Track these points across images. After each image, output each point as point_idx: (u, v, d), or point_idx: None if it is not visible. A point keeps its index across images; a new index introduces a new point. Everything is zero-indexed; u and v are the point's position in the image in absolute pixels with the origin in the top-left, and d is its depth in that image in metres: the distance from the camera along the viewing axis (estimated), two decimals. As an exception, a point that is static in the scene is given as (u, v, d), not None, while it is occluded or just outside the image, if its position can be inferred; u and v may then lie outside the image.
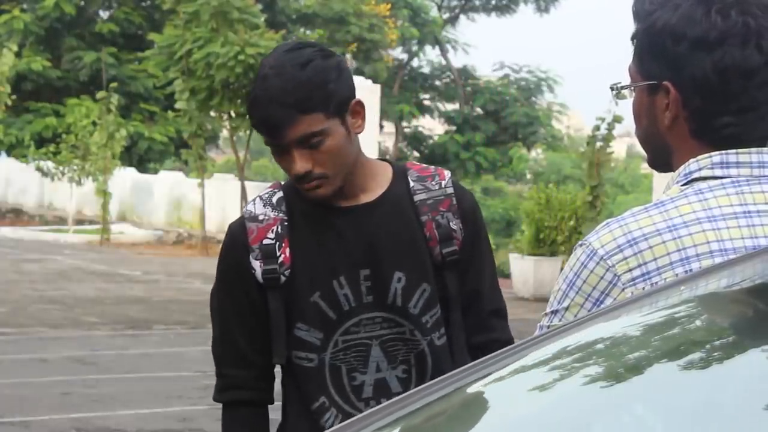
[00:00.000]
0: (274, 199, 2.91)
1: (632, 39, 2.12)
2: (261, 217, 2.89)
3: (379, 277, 2.87)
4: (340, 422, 2.83)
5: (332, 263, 2.86)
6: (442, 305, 2.93)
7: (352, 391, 2.89)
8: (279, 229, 2.87)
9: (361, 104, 2.89)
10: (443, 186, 2.93)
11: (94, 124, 24.65)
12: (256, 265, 2.87)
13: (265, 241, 2.87)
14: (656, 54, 2.07)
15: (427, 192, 2.92)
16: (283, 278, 2.87)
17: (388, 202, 2.90)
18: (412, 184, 2.92)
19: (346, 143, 2.84)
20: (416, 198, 2.91)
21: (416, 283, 2.89)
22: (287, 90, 2.79)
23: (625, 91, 2.15)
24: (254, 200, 2.95)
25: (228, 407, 3.01)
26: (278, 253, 2.87)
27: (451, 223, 2.91)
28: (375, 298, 2.87)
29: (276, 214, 2.88)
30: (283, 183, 2.97)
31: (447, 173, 2.96)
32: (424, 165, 3.01)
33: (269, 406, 3.02)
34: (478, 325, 2.98)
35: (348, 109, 2.85)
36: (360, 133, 2.89)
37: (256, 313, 2.90)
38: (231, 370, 2.99)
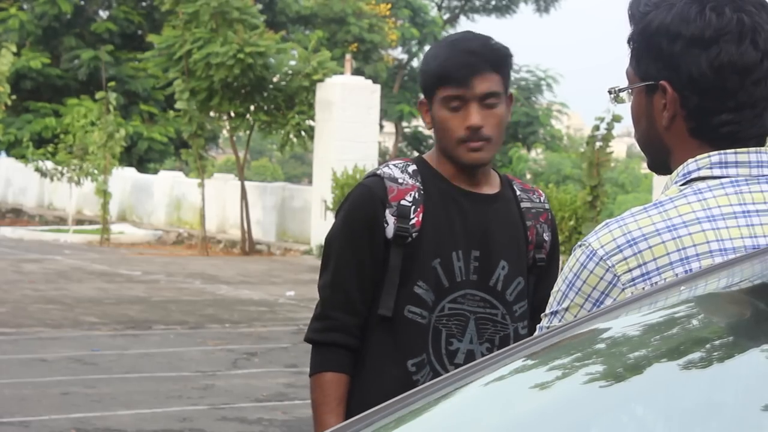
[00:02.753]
0: (410, 169, 3.19)
1: (628, 42, 2.13)
2: (400, 180, 3.16)
3: (486, 260, 3.18)
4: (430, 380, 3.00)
5: (454, 237, 3.16)
6: None
7: (447, 354, 3.14)
8: (416, 195, 3.15)
9: (512, 98, 3.23)
10: (542, 201, 3.32)
11: (92, 123, 24.62)
12: (391, 220, 3.13)
13: (403, 202, 3.14)
14: (653, 54, 2.07)
15: (530, 202, 3.29)
16: (410, 239, 3.13)
17: (504, 199, 3.25)
18: (518, 192, 3.29)
19: (507, 119, 3.19)
20: (523, 205, 3.28)
21: (515, 275, 3.21)
22: (485, 47, 3.13)
23: (624, 95, 2.15)
24: (389, 165, 3.21)
25: (324, 347, 3.18)
26: (412, 216, 3.14)
27: (544, 234, 3.29)
28: (479, 277, 3.17)
29: (413, 182, 3.17)
30: (411, 159, 3.24)
31: (542, 191, 3.35)
32: (521, 180, 3.41)
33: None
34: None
35: (509, 94, 3.19)
36: (508, 122, 3.24)
37: (374, 265, 3.14)
38: (338, 314, 3.17)
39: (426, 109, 3.20)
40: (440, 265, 3.14)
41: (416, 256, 3.13)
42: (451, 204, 3.17)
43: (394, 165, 3.20)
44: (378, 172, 3.20)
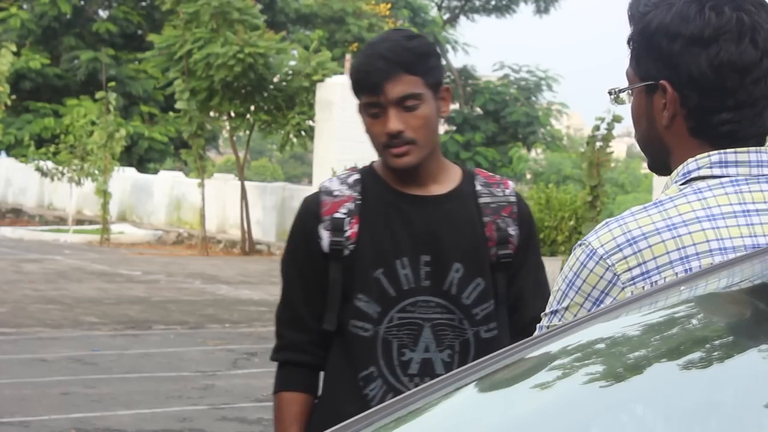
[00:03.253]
0: (351, 180, 3.13)
1: (628, 42, 2.13)
2: (336, 193, 3.11)
3: (438, 264, 3.08)
4: (384, 393, 3.05)
5: (397, 245, 3.08)
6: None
7: (400, 365, 3.07)
8: (351, 206, 3.09)
9: (449, 91, 3.14)
10: (506, 194, 3.17)
11: (92, 123, 24.61)
12: (324, 235, 3.08)
13: (336, 215, 3.08)
14: (652, 54, 2.08)
15: (491, 196, 3.15)
16: (346, 251, 3.08)
17: (456, 198, 3.12)
18: (478, 187, 3.15)
19: (436, 118, 3.09)
20: (481, 200, 3.14)
21: (472, 276, 3.09)
22: (395, 51, 3.04)
23: (624, 96, 2.15)
24: (332, 178, 3.17)
25: (282, 367, 3.17)
26: (346, 228, 3.08)
27: (509, 228, 3.14)
28: (432, 283, 3.08)
29: (351, 192, 3.10)
30: (358, 167, 3.20)
31: (511, 183, 3.21)
32: (491, 173, 3.25)
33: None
34: (519, 330, 3.13)
35: (440, 90, 3.09)
36: (445, 117, 3.16)
37: (317, 281, 3.10)
38: (289, 333, 3.15)
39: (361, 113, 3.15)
40: (384, 275, 3.06)
41: (356, 269, 3.07)
42: (392, 211, 3.09)
43: (337, 176, 3.16)
44: (320, 186, 3.16)
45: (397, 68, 3.02)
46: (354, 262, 3.06)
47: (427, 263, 3.07)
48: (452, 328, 3.08)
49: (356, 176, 3.13)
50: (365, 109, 3.06)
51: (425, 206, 3.10)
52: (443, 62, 3.16)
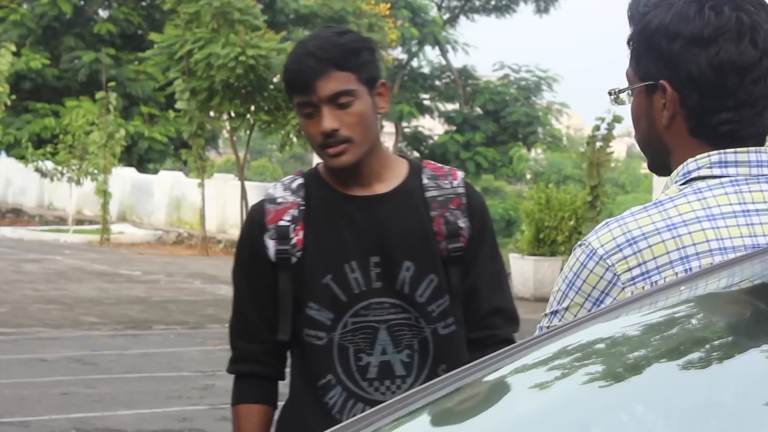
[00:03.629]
0: (294, 185, 3.05)
1: (628, 42, 2.13)
2: (279, 200, 3.03)
3: (388, 264, 3.00)
4: (344, 400, 3.00)
5: (344, 248, 3.00)
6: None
7: (358, 371, 3.00)
8: (295, 213, 3.01)
9: (386, 86, 3.05)
10: (454, 186, 3.06)
11: (91, 123, 24.61)
12: (270, 244, 3.00)
13: (281, 223, 3.00)
14: (652, 54, 2.08)
15: (438, 189, 3.05)
16: (294, 259, 3.00)
17: (400, 194, 3.04)
18: (425, 181, 3.06)
19: (372, 114, 2.99)
20: (427, 194, 3.05)
21: (424, 274, 3.01)
22: (325, 48, 2.96)
23: (624, 97, 2.15)
24: (276, 185, 3.09)
25: (238, 379, 3.12)
26: (291, 235, 3.00)
27: (458, 221, 3.04)
28: (384, 284, 3.00)
29: (294, 198, 3.02)
30: (302, 171, 3.11)
31: (460, 174, 3.10)
32: (440, 165, 3.14)
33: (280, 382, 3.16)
34: (476, 322, 3.08)
35: (375, 86, 3.00)
36: (383, 114, 3.06)
37: (268, 291, 3.03)
38: (242, 344, 3.10)
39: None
40: (333, 280, 2.99)
41: (304, 277, 2.99)
42: (337, 214, 3.01)
43: (281, 182, 3.08)
44: (265, 194, 3.10)
45: (327, 65, 2.94)
46: (302, 270, 2.99)
47: (377, 264, 3.00)
48: (409, 327, 3.02)
49: (300, 181, 3.05)
50: (299, 110, 2.98)
51: (370, 206, 3.01)
52: (378, 56, 3.08)
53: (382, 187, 3.04)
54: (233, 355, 3.11)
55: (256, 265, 3.03)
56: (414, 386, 2.97)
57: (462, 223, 3.05)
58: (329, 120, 2.94)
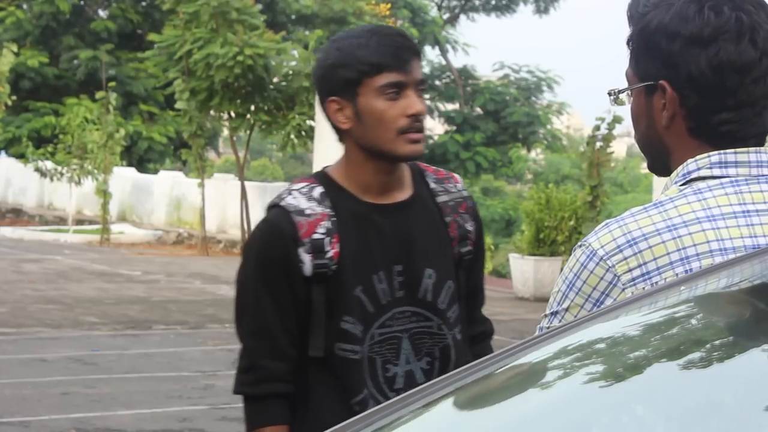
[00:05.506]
0: (316, 194, 2.94)
1: (628, 42, 2.13)
2: (308, 212, 2.91)
3: (411, 272, 2.96)
4: None
5: (373, 259, 2.94)
6: None
7: (386, 382, 2.94)
8: (329, 225, 2.91)
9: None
10: (459, 189, 3.06)
11: (89, 122, 24.59)
12: (306, 258, 2.89)
13: (315, 236, 2.89)
14: (652, 54, 2.08)
15: (447, 194, 3.04)
16: (329, 273, 2.91)
17: (418, 201, 3.00)
18: (432, 185, 3.03)
19: None
20: (438, 199, 3.03)
21: (444, 280, 2.99)
22: (407, 35, 2.93)
23: (624, 97, 2.15)
24: (291, 193, 2.94)
25: (259, 399, 2.95)
26: (327, 248, 2.90)
27: (466, 225, 3.05)
28: (406, 292, 2.96)
29: (323, 209, 2.92)
30: (314, 177, 3.01)
31: (458, 177, 3.10)
32: (435, 167, 3.11)
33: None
34: (474, 319, 3.13)
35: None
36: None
37: (297, 307, 2.91)
38: (266, 362, 2.94)
39: (338, 107, 2.95)
40: (363, 292, 2.92)
41: (339, 289, 2.90)
42: (365, 224, 2.93)
43: (298, 191, 2.94)
44: (282, 203, 2.93)
45: (416, 50, 2.91)
46: (336, 283, 2.90)
47: (400, 273, 2.95)
48: (430, 336, 2.98)
49: (320, 189, 2.94)
50: (382, 91, 2.86)
51: (394, 215, 2.96)
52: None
53: (401, 194, 2.99)
54: (255, 376, 2.94)
55: (286, 280, 2.90)
56: None
57: (469, 226, 3.06)
58: (420, 102, 2.88)
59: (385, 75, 2.86)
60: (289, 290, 2.90)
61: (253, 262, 2.95)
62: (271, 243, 2.92)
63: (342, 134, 3.02)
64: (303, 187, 2.96)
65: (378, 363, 2.94)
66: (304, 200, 2.92)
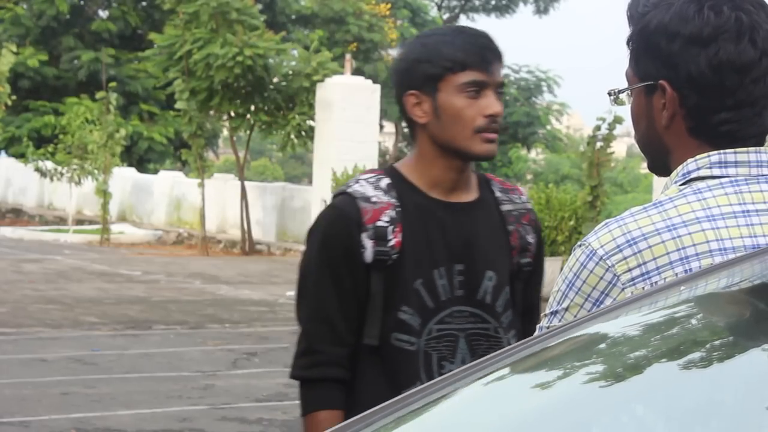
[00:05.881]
0: (383, 184, 2.98)
1: (627, 43, 2.13)
2: (374, 199, 2.95)
3: (471, 273, 2.99)
4: None
5: (434, 254, 2.96)
6: None
7: None
8: (393, 214, 2.94)
9: None
10: (523, 201, 3.11)
11: (89, 122, 24.58)
12: (368, 244, 2.93)
13: (379, 223, 2.93)
14: (651, 54, 2.08)
15: (512, 204, 3.08)
16: (389, 261, 2.93)
17: (484, 205, 3.04)
18: (498, 194, 3.08)
19: None
20: (503, 208, 3.07)
21: (503, 285, 3.02)
22: (491, 37, 2.97)
23: (624, 98, 2.15)
24: (358, 181, 2.99)
25: (315, 383, 2.98)
26: (389, 237, 2.93)
27: (528, 236, 3.09)
28: (465, 292, 2.98)
29: (388, 199, 2.95)
30: (383, 170, 3.04)
31: (523, 190, 3.14)
32: (502, 179, 3.18)
33: None
34: (528, 335, 3.09)
35: None
36: None
37: (355, 292, 2.94)
38: (325, 347, 2.96)
39: (416, 101, 2.95)
40: (423, 285, 2.95)
41: (398, 279, 2.94)
42: (429, 219, 2.97)
43: (365, 180, 2.98)
44: (348, 190, 2.97)
45: (500, 53, 2.97)
46: (396, 273, 2.93)
47: (460, 272, 2.98)
48: (486, 338, 3.00)
49: (387, 180, 2.98)
50: (462, 89, 2.90)
51: (458, 213, 3.00)
52: None
53: (467, 196, 3.03)
54: (312, 359, 2.96)
55: (348, 265, 2.93)
56: None
57: (530, 238, 3.08)
58: (498, 104, 2.93)
59: (467, 73, 2.91)
60: (350, 276, 2.94)
61: (317, 245, 2.98)
62: (335, 226, 2.96)
63: (416, 129, 3.02)
64: (371, 177, 3.00)
65: (434, 358, 2.96)
66: (371, 188, 2.97)
